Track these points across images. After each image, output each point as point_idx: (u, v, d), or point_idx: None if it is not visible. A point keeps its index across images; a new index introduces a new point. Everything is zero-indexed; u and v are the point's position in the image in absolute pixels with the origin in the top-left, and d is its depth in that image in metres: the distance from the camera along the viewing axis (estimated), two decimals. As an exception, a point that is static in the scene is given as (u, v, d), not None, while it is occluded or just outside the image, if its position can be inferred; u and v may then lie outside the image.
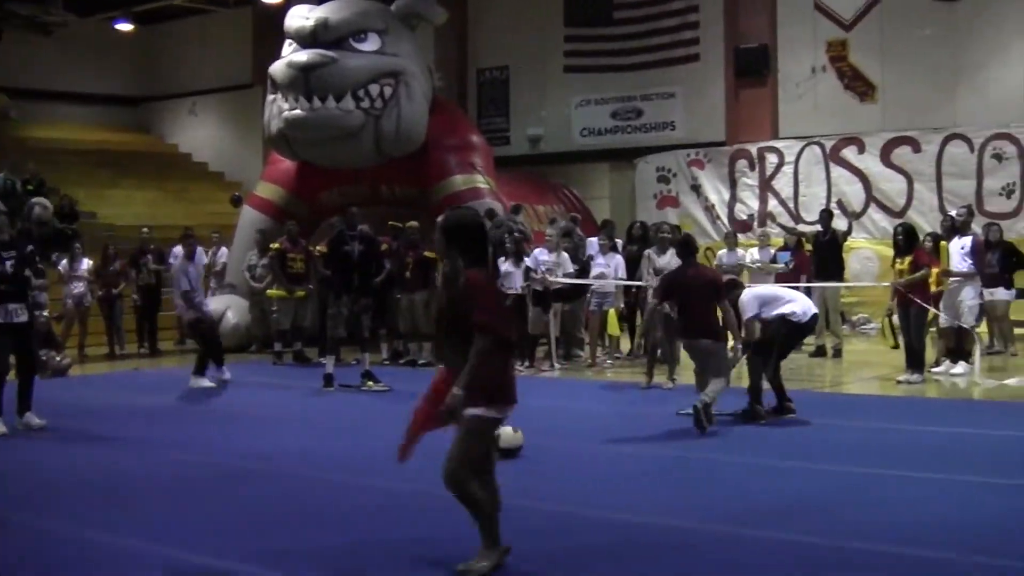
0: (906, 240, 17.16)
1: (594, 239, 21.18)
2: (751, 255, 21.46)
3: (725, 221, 26.48)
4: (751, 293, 14.01)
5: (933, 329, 18.08)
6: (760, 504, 9.73)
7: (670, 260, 17.36)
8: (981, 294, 18.43)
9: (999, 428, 13.31)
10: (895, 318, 17.93)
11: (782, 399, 13.95)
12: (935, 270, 17.24)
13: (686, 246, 14.39)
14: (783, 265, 21.10)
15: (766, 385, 13.83)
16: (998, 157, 23.98)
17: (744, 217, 26.49)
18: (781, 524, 8.94)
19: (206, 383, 17.74)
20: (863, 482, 10.58)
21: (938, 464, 11.18)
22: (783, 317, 13.67)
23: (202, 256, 22.16)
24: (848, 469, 11.08)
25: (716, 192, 27.20)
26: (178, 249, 21.83)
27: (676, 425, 13.55)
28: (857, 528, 8.80)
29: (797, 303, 13.84)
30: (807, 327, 14.15)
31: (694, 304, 13.47)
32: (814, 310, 14.13)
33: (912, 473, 10.80)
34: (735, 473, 11.18)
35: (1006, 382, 16.88)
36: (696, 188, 27.43)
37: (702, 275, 13.94)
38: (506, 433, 11.14)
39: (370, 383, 17.23)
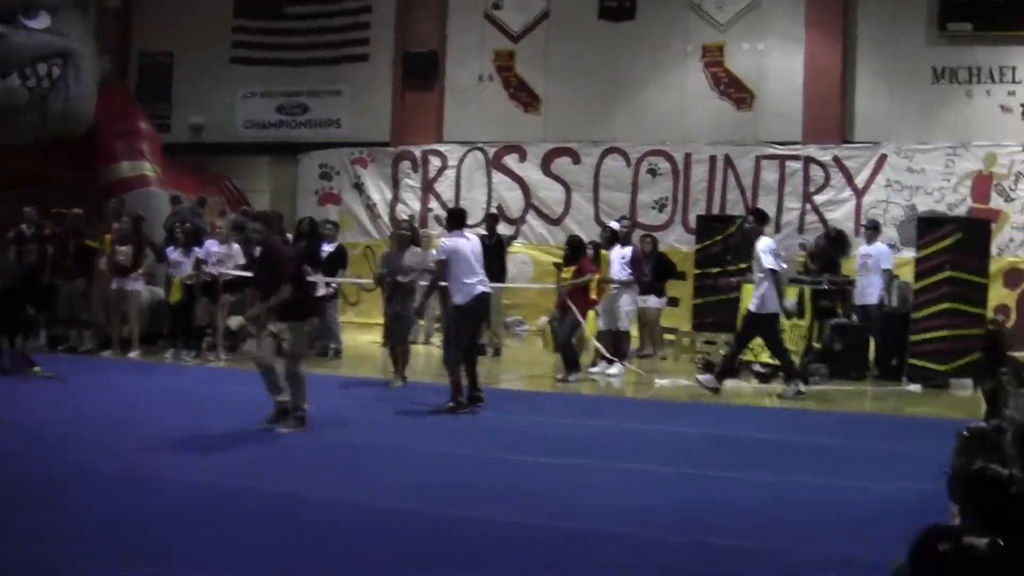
0: (573, 251, 18.09)
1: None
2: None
3: (386, 220, 26.83)
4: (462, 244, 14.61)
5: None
6: (431, 485, 10.44)
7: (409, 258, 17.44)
8: (636, 301, 19.44)
9: (651, 423, 14.34)
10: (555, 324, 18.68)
11: (473, 388, 14.75)
12: (597, 277, 18.14)
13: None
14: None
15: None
16: (652, 172, 25.15)
17: (406, 217, 26.85)
18: (460, 503, 9.67)
19: None
20: (532, 468, 11.36)
21: (599, 453, 12.10)
22: (454, 305, 14.47)
23: None
24: (520, 457, 11.84)
25: (379, 191, 27.47)
26: None
27: (348, 412, 14.24)
28: (528, 505, 9.67)
29: (466, 283, 14.45)
30: (472, 309, 14.62)
31: None
32: (479, 291, 14.55)
33: (577, 461, 11.66)
34: (411, 459, 11.81)
35: (660, 383, 17.92)
36: (359, 187, 27.62)
37: None
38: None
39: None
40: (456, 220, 15.27)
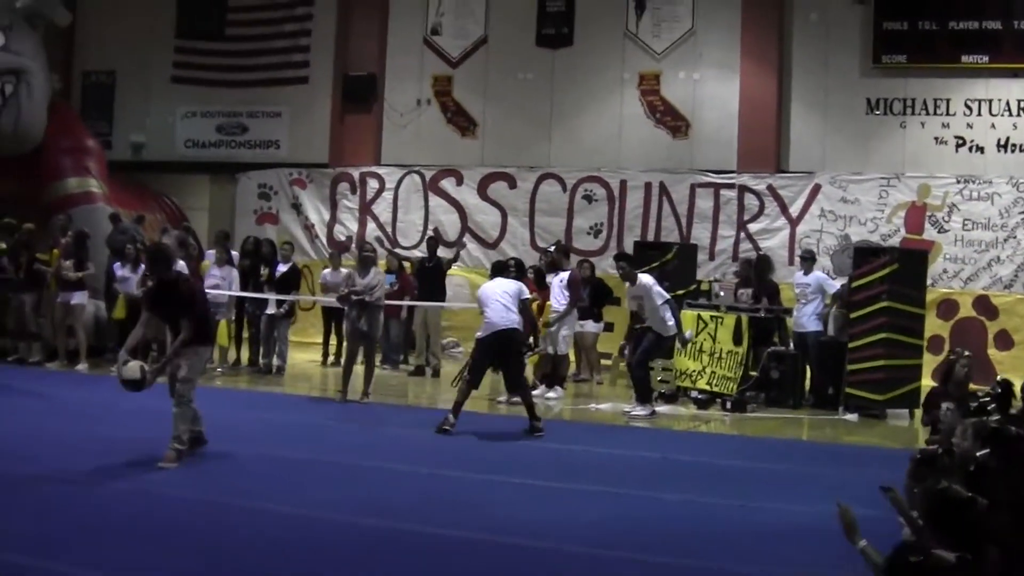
0: (516, 273, 18.30)
1: (211, 251, 21.53)
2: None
3: (324, 241, 26.98)
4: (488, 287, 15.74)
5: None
6: (394, 502, 10.71)
7: (372, 278, 17.81)
8: (574, 325, 19.68)
9: (590, 446, 14.68)
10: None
11: (532, 418, 15.33)
12: (539, 300, 18.44)
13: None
14: (388, 286, 21.81)
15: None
16: (588, 198, 25.40)
17: (343, 238, 27.03)
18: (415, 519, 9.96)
19: None
20: (484, 486, 11.81)
21: (544, 473, 12.40)
22: (477, 339, 15.38)
23: None
24: (469, 475, 12.26)
25: (316, 212, 27.56)
26: None
27: (304, 429, 14.57)
28: (482, 522, 9.98)
29: (484, 318, 15.37)
30: (482, 341, 15.40)
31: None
32: (497, 327, 15.20)
33: (525, 480, 12.01)
34: (355, 474, 12.12)
35: (599, 407, 18.24)
36: (297, 207, 27.68)
37: None
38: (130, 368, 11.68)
39: None
40: (496, 269, 16.80)
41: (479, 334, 15.45)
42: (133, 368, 11.77)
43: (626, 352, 18.86)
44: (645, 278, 17.38)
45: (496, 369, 16.87)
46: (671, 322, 17.31)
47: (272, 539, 9.08)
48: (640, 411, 17.29)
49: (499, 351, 15.41)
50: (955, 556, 5.43)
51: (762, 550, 9.48)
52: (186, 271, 19.29)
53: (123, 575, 7.90)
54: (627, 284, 17.67)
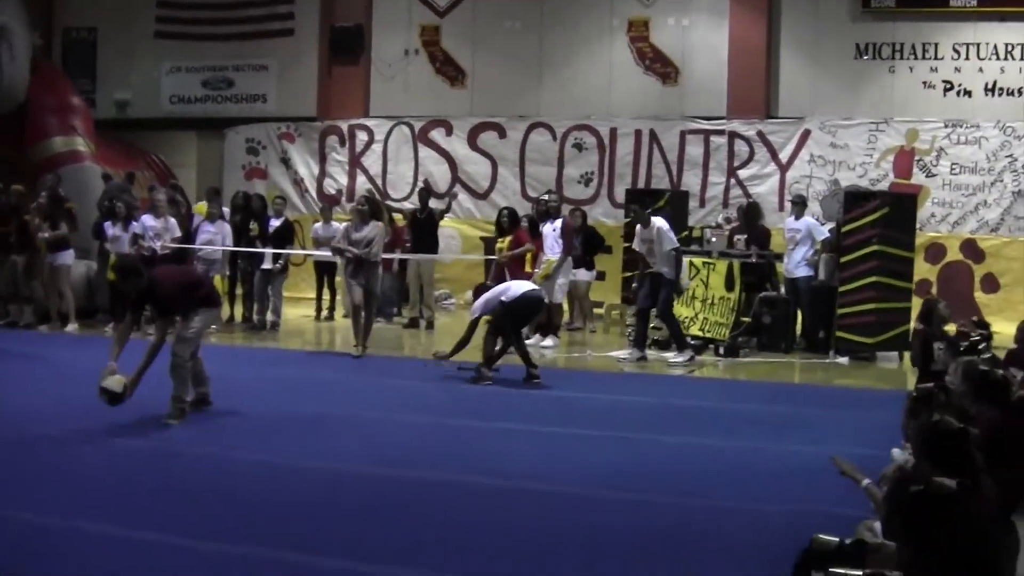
0: (509, 221, 18.41)
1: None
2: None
3: (314, 195, 26.98)
4: (481, 299, 15.64)
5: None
6: (402, 451, 10.86)
7: (368, 232, 17.73)
8: (569, 274, 19.77)
9: (589, 392, 14.90)
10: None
11: (528, 366, 15.37)
12: (533, 248, 18.51)
13: None
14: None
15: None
16: (578, 147, 25.48)
17: (333, 192, 27.03)
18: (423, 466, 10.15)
19: None
20: (488, 433, 12.03)
21: (546, 420, 12.64)
22: (500, 303, 15.15)
23: None
24: (472, 423, 12.47)
25: (305, 166, 27.54)
26: None
27: (303, 383, 14.76)
28: (489, 468, 10.16)
29: (509, 291, 15.33)
30: (520, 304, 15.33)
31: None
32: (523, 289, 15.40)
33: (527, 427, 12.24)
34: (379, 426, 12.19)
35: (609, 355, 18.31)
36: (286, 161, 27.64)
37: None
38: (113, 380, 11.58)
39: None
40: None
41: (503, 298, 15.30)
42: (116, 382, 11.56)
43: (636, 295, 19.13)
44: (659, 221, 17.53)
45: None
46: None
47: (285, 492, 9.14)
48: (679, 357, 17.55)
49: (524, 314, 15.61)
50: (956, 483, 5.55)
51: (765, 488, 9.63)
52: (177, 229, 19.41)
53: (140, 530, 7.92)
54: (638, 227, 17.73)
